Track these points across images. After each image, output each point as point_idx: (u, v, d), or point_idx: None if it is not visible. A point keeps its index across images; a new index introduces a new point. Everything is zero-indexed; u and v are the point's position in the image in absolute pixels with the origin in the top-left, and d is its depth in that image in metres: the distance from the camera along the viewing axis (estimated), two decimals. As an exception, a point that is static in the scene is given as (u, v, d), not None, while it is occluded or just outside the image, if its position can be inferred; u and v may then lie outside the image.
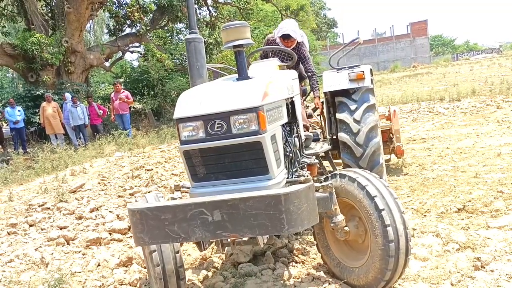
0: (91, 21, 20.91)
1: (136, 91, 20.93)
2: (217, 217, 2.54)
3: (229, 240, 3.14)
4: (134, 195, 7.23)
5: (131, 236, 5.31)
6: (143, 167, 9.09)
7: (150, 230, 2.63)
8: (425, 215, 4.87)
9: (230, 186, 2.88)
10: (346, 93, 4.92)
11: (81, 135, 14.25)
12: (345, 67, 5.09)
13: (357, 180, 3.20)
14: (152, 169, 8.89)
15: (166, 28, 23.10)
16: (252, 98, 2.82)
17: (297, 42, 5.10)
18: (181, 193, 3.59)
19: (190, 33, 3.59)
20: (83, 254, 4.85)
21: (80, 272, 4.34)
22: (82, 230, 5.51)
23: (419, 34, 62.09)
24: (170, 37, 24.56)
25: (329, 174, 3.50)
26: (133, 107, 19.61)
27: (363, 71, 4.83)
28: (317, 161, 3.95)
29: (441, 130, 10.39)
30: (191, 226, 2.58)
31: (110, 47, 20.26)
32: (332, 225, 3.16)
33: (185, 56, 24.53)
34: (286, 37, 4.98)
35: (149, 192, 7.33)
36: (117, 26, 20.05)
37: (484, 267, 3.52)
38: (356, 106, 4.75)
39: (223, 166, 2.89)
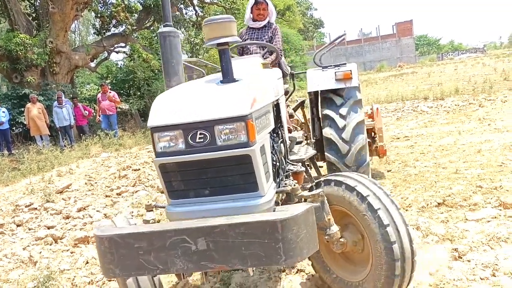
0: (76, 21, 20.78)
1: (122, 91, 20.85)
2: (201, 245, 2.23)
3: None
4: (121, 195, 7.27)
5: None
6: (130, 167, 9.13)
7: (121, 261, 2.29)
8: (406, 210, 5.00)
9: (214, 205, 2.56)
10: (331, 89, 4.71)
11: (66, 136, 14.19)
12: (331, 65, 4.87)
13: (356, 189, 2.84)
14: (139, 169, 8.93)
15: (151, 28, 23.06)
16: (240, 105, 2.48)
17: (269, 21, 4.99)
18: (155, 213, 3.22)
19: (164, 26, 3.20)
20: (71, 253, 4.89)
21: (68, 270, 4.39)
22: (69, 230, 5.55)
23: (405, 34, 62.77)
24: (155, 37, 24.50)
25: (318, 180, 3.17)
26: (120, 108, 19.55)
27: (350, 70, 4.62)
28: (303, 168, 3.71)
29: (424, 128, 10.59)
30: (170, 256, 2.25)
31: (95, 48, 20.17)
32: (326, 237, 2.84)
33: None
34: (257, 2, 4.86)
35: (136, 191, 7.39)
36: (103, 26, 19.99)
37: (461, 258, 3.66)
38: (342, 102, 4.56)
39: (205, 182, 2.57)
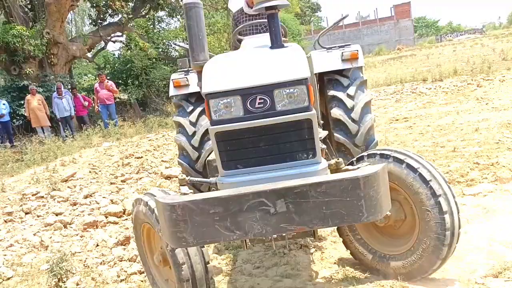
0: (72, 12, 20.69)
1: (120, 81, 20.84)
2: (281, 208, 2.18)
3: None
4: (125, 182, 7.40)
5: (126, 219, 5.51)
6: (133, 155, 9.25)
7: (196, 228, 2.21)
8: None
9: (270, 174, 2.50)
10: (336, 71, 4.65)
11: (68, 126, 14.27)
12: (335, 46, 4.81)
13: (406, 162, 2.82)
14: (141, 157, 9.06)
15: (147, 16, 22.96)
16: (300, 68, 2.45)
17: None
18: (189, 189, 3.11)
19: None
20: (81, 237, 5.03)
21: (80, 252, 4.53)
22: (77, 215, 5.69)
23: (403, 16, 62.35)
24: (151, 26, 24.40)
25: (360, 155, 3.18)
26: (118, 98, 19.58)
27: (357, 50, 4.57)
28: (324, 146, 3.64)
29: (423, 109, 10.68)
30: (248, 220, 2.20)
31: (92, 38, 20.11)
32: None
33: (169, 45, 24.51)
34: None
35: (140, 178, 7.51)
36: (99, 16, 19.92)
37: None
38: (349, 83, 4.54)
39: (263, 150, 2.50)
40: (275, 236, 2.81)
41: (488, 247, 3.46)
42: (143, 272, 4.03)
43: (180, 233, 2.22)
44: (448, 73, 15.92)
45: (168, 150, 9.79)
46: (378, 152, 3.02)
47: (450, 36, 65.55)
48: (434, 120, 9.03)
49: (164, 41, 23.59)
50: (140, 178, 7.53)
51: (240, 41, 4.76)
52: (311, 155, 2.52)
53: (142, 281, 3.87)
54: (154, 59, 20.73)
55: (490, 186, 4.68)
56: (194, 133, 4.08)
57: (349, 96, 4.46)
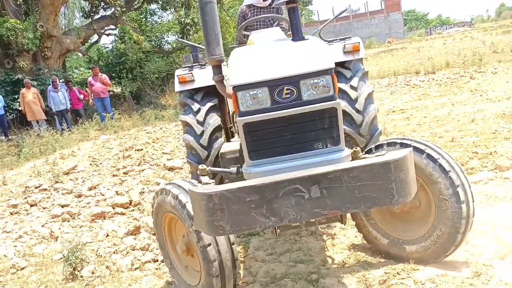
0: (65, 4, 20.49)
1: (114, 74, 20.78)
2: (315, 193, 2.25)
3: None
4: (128, 174, 7.46)
5: (133, 210, 5.58)
6: (132, 147, 9.29)
7: (233, 216, 2.26)
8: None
9: (296, 162, 2.59)
10: (338, 63, 4.66)
11: (64, 120, 14.23)
12: (336, 39, 4.90)
13: (426, 152, 2.96)
14: (142, 149, 9.11)
15: (140, 10, 22.84)
16: (325, 58, 2.53)
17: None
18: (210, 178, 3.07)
19: None
20: (90, 227, 5.10)
21: (91, 242, 4.60)
22: (84, 207, 5.74)
23: (393, 10, 62.62)
24: (144, 19, 24.29)
25: (379, 143, 3.30)
26: (112, 91, 19.53)
27: (358, 42, 4.64)
28: None
29: (418, 101, 10.83)
30: (283, 206, 2.26)
31: (85, 31, 19.98)
32: None
33: (162, 38, 24.44)
34: None
35: (143, 170, 7.57)
36: (92, 9, 19.78)
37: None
38: (352, 74, 4.62)
39: (289, 139, 2.59)
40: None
41: (492, 232, 3.60)
42: (157, 260, 4.12)
43: (217, 222, 2.27)
44: (441, 66, 16.09)
45: (168, 142, 9.84)
46: (398, 141, 3.14)
47: (440, 29, 65.91)
48: (430, 111, 9.18)
49: (157, 34, 23.54)
50: (143, 170, 7.58)
51: (245, 36, 4.81)
52: (335, 143, 2.61)
53: (157, 269, 3.96)
54: (148, 52, 20.67)
55: (490, 174, 4.83)
56: (203, 132, 4.11)
57: (352, 87, 4.50)
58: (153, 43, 22.28)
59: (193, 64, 4.61)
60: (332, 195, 2.27)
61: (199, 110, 4.23)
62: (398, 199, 2.31)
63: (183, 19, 20.58)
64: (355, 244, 3.75)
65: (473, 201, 3.00)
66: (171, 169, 7.30)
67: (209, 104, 4.27)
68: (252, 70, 2.54)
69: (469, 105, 9.10)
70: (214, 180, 2.90)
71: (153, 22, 24.98)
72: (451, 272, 3.11)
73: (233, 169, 3.05)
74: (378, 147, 3.23)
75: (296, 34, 2.73)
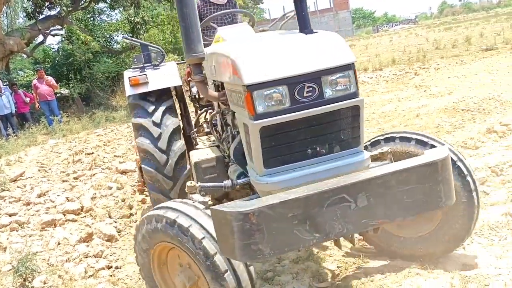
0: (6, 4, 19.55)
1: (61, 76, 20.06)
2: (361, 202, 2.03)
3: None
4: (78, 179, 7.26)
5: (85, 216, 5.46)
6: (83, 151, 9.05)
7: (273, 237, 1.95)
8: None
9: (316, 168, 2.35)
10: None
11: (9, 124, 13.62)
12: None
13: (429, 143, 2.85)
14: (92, 153, 8.89)
15: (87, 9, 22.17)
16: (345, 52, 2.31)
17: None
18: (205, 195, 2.76)
19: None
20: (40, 236, 4.93)
21: (41, 252, 4.46)
22: (33, 215, 5.54)
23: (341, 8, 64.06)
24: (92, 19, 23.60)
25: (375, 138, 3.16)
26: (60, 93, 18.87)
27: None
28: None
29: (367, 98, 11.19)
30: (328, 219, 2.01)
31: (30, 31, 19.16)
32: None
33: (111, 38, 23.82)
34: None
35: (94, 174, 7.39)
36: (36, 9, 18.99)
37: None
38: None
39: (308, 142, 2.34)
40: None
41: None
42: (111, 267, 4.07)
43: (255, 245, 1.95)
44: (387, 63, 16.69)
45: (120, 144, 9.65)
46: (397, 135, 3.04)
47: (386, 26, 68.13)
48: (378, 107, 9.52)
49: (106, 34, 22.94)
50: (94, 174, 7.41)
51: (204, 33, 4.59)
52: (356, 144, 2.43)
53: (111, 275, 3.91)
54: (96, 53, 20.12)
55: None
56: (160, 134, 3.80)
57: None
58: (101, 43, 21.68)
59: (145, 65, 4.34)
60: (380, 203, 2.06)
61: (154, 110, 3.93)
62: (445, 201, 2.17)
63: (133, 18, 20.18)
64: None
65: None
66: (123, 172, 7.18)
67: (165, 105, 3.99)
68: (268, 67, 2.24)
69: (414, 100, 9.51)
70: (209, 198, 2.61)
71: (101, 22, 24.31)
72: (399, 263, 3.27)
73: (227, 182, 2.81)
74: (375, 142, 3.10)
75: (304, 26, 2.49)
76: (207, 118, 4.92)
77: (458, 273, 2.91)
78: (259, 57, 2.30)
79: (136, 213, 5.63)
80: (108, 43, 22.91)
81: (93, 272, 3.99)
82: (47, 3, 18.80)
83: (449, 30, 29.59)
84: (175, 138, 3.89)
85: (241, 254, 2.00)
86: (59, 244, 4.64)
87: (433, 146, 2.85)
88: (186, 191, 2.66)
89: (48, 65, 20.93)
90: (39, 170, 7.86)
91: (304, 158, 2.37)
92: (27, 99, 14.59)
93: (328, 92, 2.27)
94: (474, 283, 2.74)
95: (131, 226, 5.24)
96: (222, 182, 2.84)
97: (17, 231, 5.06)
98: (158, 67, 4.23)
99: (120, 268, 4.14)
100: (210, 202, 2.54)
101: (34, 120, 14.37)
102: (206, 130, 4.72)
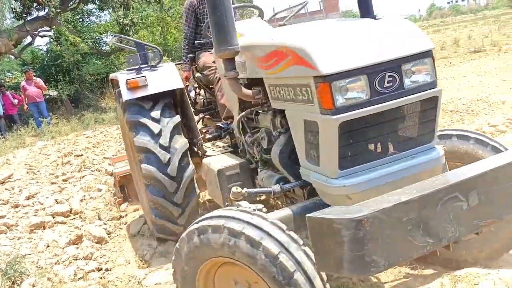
0: (-7, 4, 19.36)
1: (49, 77, 19.87)
2: (473, 200, 1.86)
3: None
4: (68, 181, 7.21)
5: (75, 218, 5.41)
6: (72, 153, 8.99)
7: (388, 245, 1.73)
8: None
9: (394, 166, 2.16)
10: None
11: (-4, 126, 13.51)
12: None
13: (490, 144, 2.68)
14: (81, 155, 8.83)
15: (76, 10, 22.03)
16: (424, 38, 2.14)
17: None
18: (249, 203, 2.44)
19: None
20: (29, 239, 4.87)
21: (30, 254, 4.40)
22: (21, 217, 5.48)
23: (332, 10, 64.62)
24: (80, 20, 23.44)
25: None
26: (48, 95, 18.72)
27: None
28: None
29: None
30: (441, 222, 1.82)
31: (18, 32, 18.96)
32: None
33: (100, 39, 23.64)
34: None
35: (83, 176, 7.34)
36: (24, 10, 18.80)
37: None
38: None
39: (385, 138, 2.16)
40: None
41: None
42: (101, 269, 4.03)
43: (368, 256, 1.70)
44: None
45: (109, 146, 9.58)
46: (454, 133, 2.89)
47: (376, 28, 68.68)
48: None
49: (94, 35, 22.80)
50: (83, 177, 7.35)
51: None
52: (430, 139, 2.26)
53: (101, 277, 3.87)
54: (85, 54, 20.00)
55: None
56: (161, 131, 3.57)
57: None
58: (90, 44, 21.54)
59: (141, 66, 4.00)
60: (490, 200, 1.91)
61: (152, 107, 3.63)
62: None
63: (122, 19, 20.08)
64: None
65: None
66: (113, 174, 7.13)
67: (161, 105, 3.71)
68: (346, 55, 2.02)
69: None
70: (262, 205, 2.30)
71: (90, 23, 24.15)
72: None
73: (276, 187, 2.60)
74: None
75: (366, 12, 2.34)
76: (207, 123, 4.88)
77: (448, 273, 2.93)
78: (333, 45, 2.08)
79: (126, 215, 5.59)
80: (97, 45, 22.75)
81: (82, 275, 3.95)
82: (35, 4, 18.63)
83: (437, 32, 29.94)
84: (176, 137, 3.66)
85: (351, 268, 1.74)
86: (48, 246, 4.59)
87: (494, 148, 2.70)
88: (232, 197, 2.42)
89: (37, 67, 20.72)
90: (27, 172, 7.78)
91: (379, 156, 2.18)
92: (15, 101, 14.46)
93: (408, 82, 2.10)
94: (464, 282, 2.76)
95: (121, 228, 5.21)
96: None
97: (5, 233, 5.00)
98: (156, 68, 3.95)
99: (110, 270, 4.10)
100: (264, 210, 2.27)
101: (22, 122, 14.23)
102: (208, 136, 4.40)
